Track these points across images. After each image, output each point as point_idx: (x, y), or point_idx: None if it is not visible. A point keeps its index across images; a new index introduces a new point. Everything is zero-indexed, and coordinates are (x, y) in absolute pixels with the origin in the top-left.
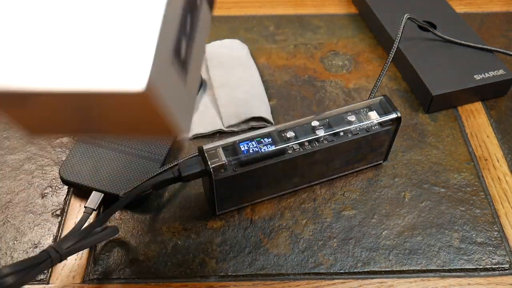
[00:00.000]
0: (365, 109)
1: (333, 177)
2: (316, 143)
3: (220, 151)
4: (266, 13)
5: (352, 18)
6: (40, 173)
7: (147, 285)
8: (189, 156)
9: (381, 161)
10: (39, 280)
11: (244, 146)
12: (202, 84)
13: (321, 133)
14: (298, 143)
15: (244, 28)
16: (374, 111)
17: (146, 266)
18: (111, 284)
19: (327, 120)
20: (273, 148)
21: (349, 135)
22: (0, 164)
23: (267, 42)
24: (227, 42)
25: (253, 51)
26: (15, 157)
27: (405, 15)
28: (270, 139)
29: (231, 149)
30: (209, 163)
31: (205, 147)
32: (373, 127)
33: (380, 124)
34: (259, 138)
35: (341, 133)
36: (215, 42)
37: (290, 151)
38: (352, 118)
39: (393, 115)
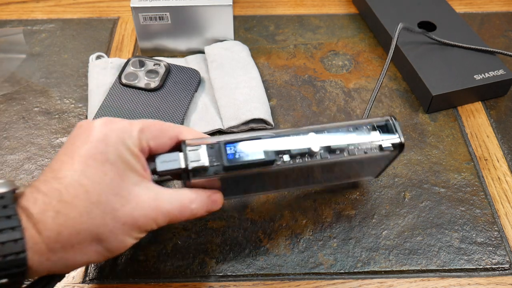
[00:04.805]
0: (367, 127)
1: (315, 187)
2: (309, 157)
3: (204, 150)
4: (266, 13)
5: (352, 18)
6: (40, 173)
7: (147, 285)
8: (170, 151)
9: (372, 177)
10: None
11: (230, 149)
12: (200, 82)
13: (316, 148)
14: (289, 155)
15: (244, 28)
16: (377, 131)
17: (146, 266)
18: (111, 284)
19: (325, 132)
20: (261, 157)
21: (345, 154)
22: (0, 164)
23: (267, 42)
24: (228, 43)
25: (253, 51)
26: (15, 157)
27: (400, 24)
28: (260, 147)
29: (216, 149)
30: (188, 163)
31: (188, 141)
32: (372, 150)
33: (381, 148)
34: (249, 142)
35: (337, 151)
36: (216, 43)
37: (279, 163)
38: (351, 135)
39: (396, 140)
